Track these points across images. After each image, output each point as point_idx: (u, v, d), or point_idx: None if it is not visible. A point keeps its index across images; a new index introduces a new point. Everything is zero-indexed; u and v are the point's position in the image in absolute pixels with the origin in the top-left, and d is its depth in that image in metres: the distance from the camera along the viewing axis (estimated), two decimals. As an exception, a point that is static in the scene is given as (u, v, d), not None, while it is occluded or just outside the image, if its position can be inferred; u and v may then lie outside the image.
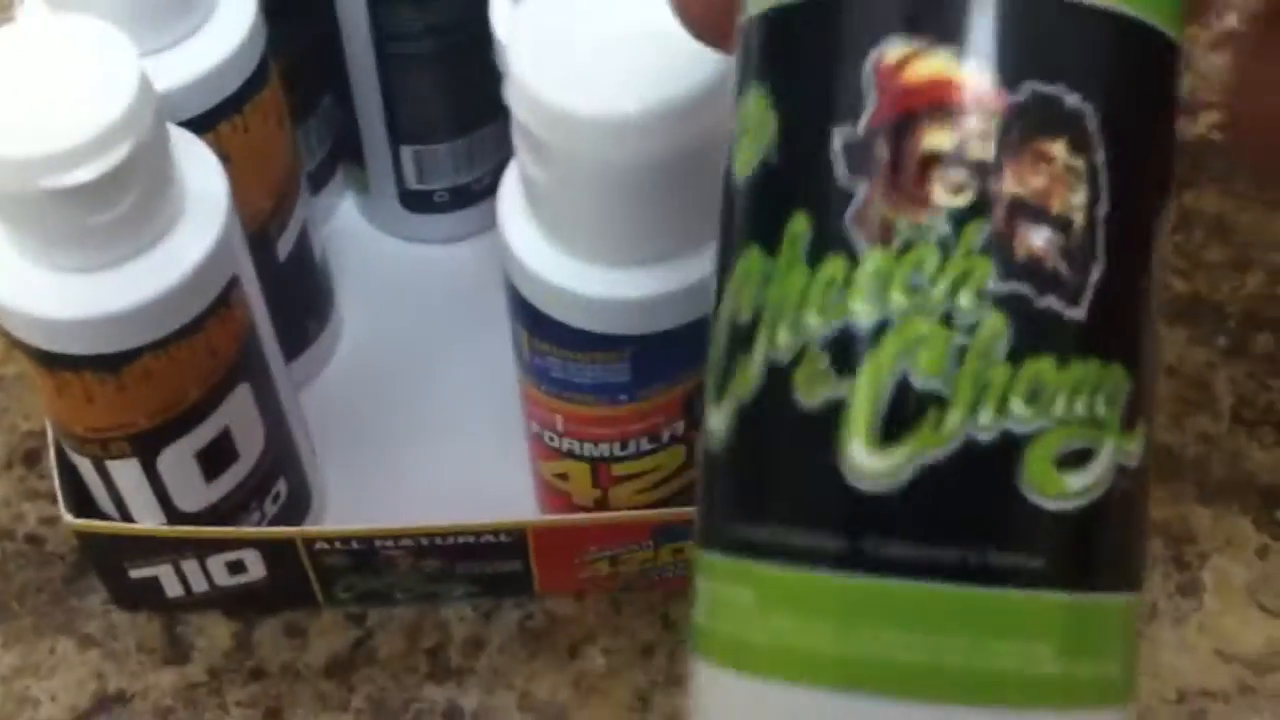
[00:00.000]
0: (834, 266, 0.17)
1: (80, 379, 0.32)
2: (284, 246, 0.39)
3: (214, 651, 0.39)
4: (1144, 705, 0.37)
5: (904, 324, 0.17)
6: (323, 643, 0.39)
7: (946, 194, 0.17)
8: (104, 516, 0.36)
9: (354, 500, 0.41)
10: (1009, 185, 0.17)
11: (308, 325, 0.42)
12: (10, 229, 0.30)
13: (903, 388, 0.17)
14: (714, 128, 0.26)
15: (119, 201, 0.29)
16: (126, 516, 0.36)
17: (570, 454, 0.36)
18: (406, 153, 0.43)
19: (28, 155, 0.28)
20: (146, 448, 0.34)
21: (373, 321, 0.45)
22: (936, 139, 0.17)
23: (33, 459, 0.42)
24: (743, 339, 0.18)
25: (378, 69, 0.40)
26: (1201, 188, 0.47)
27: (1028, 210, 0.17)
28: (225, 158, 0.35)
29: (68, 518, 0.36)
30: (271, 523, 0.38)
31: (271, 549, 0.37)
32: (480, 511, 0.37)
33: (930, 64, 0.17)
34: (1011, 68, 0.17)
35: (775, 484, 0.18)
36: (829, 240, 0.17)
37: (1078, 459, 0.17)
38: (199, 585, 0.38)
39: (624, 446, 0.35)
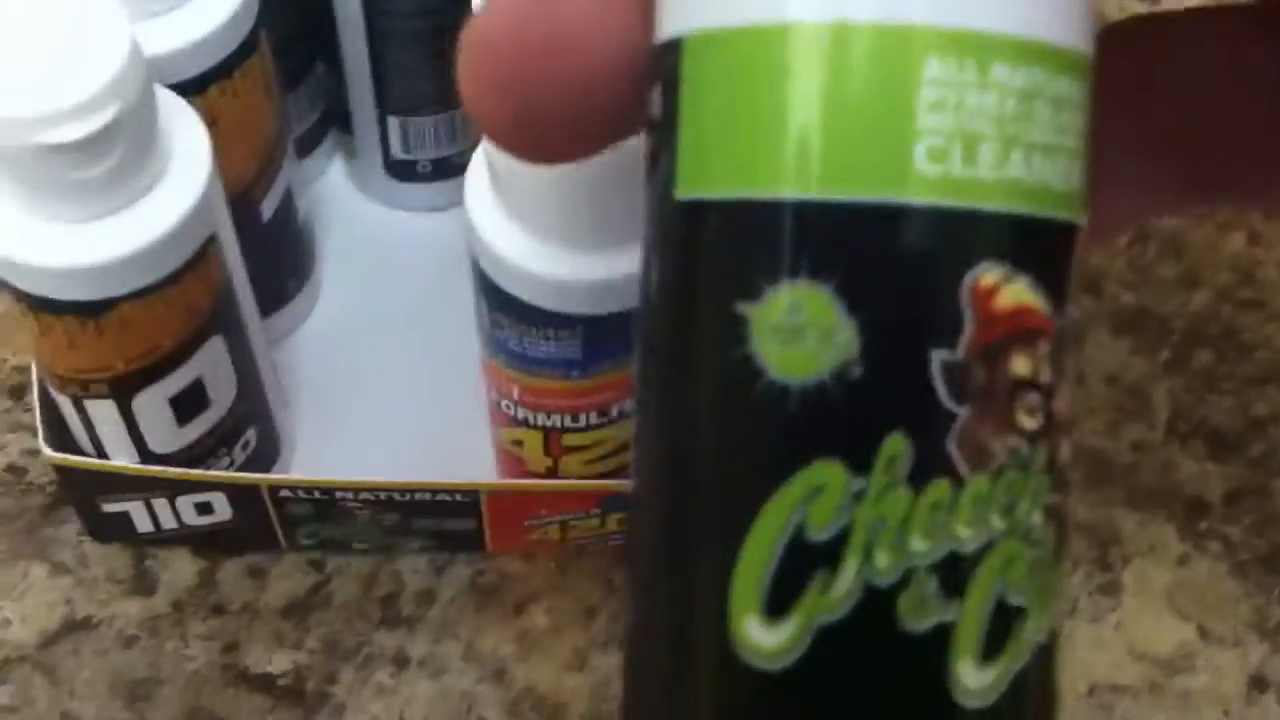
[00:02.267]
0: (939, 490, 0.17)
1: (62, 323, 0.34)
2: (268, 208, 0.41)
3: (179, 586, 0.41)
4: (1054, 695, 0.39)
5: (1004, 543, 0.17)
6: (282, 585, 0.41)
7: (1027, 418, 0.18)
8: (81, 452, 0.38)
9: (322, 453, 0.43)
10: (1059, 404, 0.18)
11: (288, 283, 0.44)
12: (2, 181, 0.32)
13: (1000, 606, 0.17)
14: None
15: (104, 160, 0.31)
16: (102, 454, 0.38)
17: (525, 423, 0.38)
18: (393, 123, 0.45)
19: (21, 113, 0.30)
20: (123, 390, 0.36)
21: (352, 283, 0.47)
22: (1021, 366, 0.17)
23: (18, 392, 0.44)
24: (821, 555, 0.17)
25: (367, 42, 0.42)
26: (1159, 205, 0.49)
27: (1063, 426, 0.18)
28: (214, 122, 0.37)
29: (47, 452, 0.38)
30: (240, 469, 0.40)
31: (238, 493, 0.39)
32: (441, 472, 0.39)
33: (1014, 292, 0.17)
34: (1057, 297, 0.18)
35: (881, 708, 0.18)
36: (933, 463, 0.17)
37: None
38: (168, 523, 0.40)
39: (575, 419, 0.37)
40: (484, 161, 0.34)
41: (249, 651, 0.40)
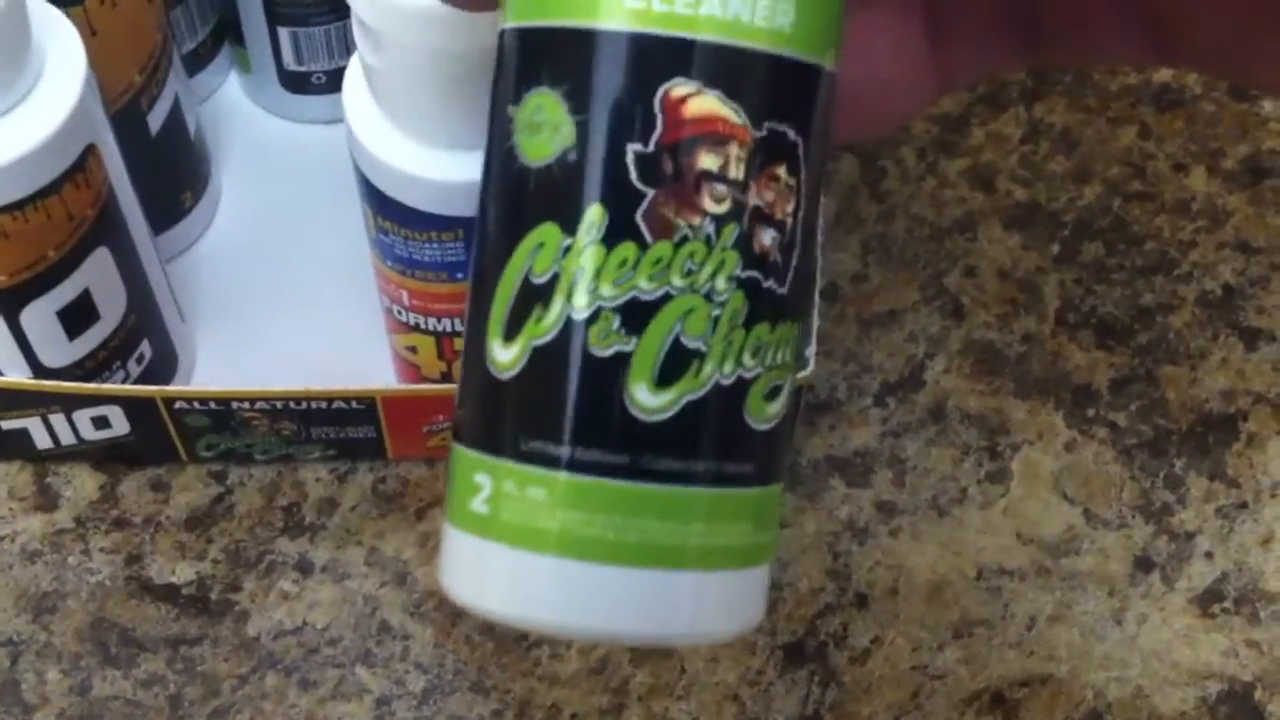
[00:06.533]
0: (626, 250, 0.22)
1: (-59, 236, 0.34)
2: (155, 119, 0.41)
3: (81, 501, 0.41)
4: (944, 580, 0.40)
5: (680, 298, 0.22)
6: (184, 497, 0.42)
7: (713, 203, 0.22)
8: (-26, 369, 0.38)
9: (223, 366, 0.43)
10: (752, 199, 0.22)
11: (182, 197, 0.44)
12: None
13: (676, 345, 0.22)
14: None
15: (-29, 69, 0.31)
16: (-5, 370, 0.38)
17: (417, 328, 0.38)
18: (284, 34, 0.45)
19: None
20: (9, 304, 0.36)
21: (251, 196, 0.47)
22: (708, 161, 0.22)
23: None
24: (538, 294, 0.23)
25: (251, -49, 0.42)
26: (1051, 100, 0.49)
27: (762, 217, 0.23)
28: (94, 33, 0.36)
29: (-62, 369, 0.38)
30: (136, 383, 0.40)
31: (134, 406, 0.39)
32: (344, 382, 0.39)
33: (704, 102, 0.22)
34: (758, 111, 0.22)
35: (570, 413, 0.23)
36: (622, 229, 0.22)
37: (774, 393, 0.23)
38: (67, 438, 0.40)
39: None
40: (361, 67, 0.34)
41: (152, 563, 0.40)
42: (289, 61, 0.46)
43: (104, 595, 0.40)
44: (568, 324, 0.22)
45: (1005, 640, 0.40)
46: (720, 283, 0.22)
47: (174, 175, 0.43)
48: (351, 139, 0.35)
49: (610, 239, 0.22)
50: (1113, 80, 0.50)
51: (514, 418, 0.23)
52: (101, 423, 0.40)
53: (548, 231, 0.23)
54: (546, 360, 0.23)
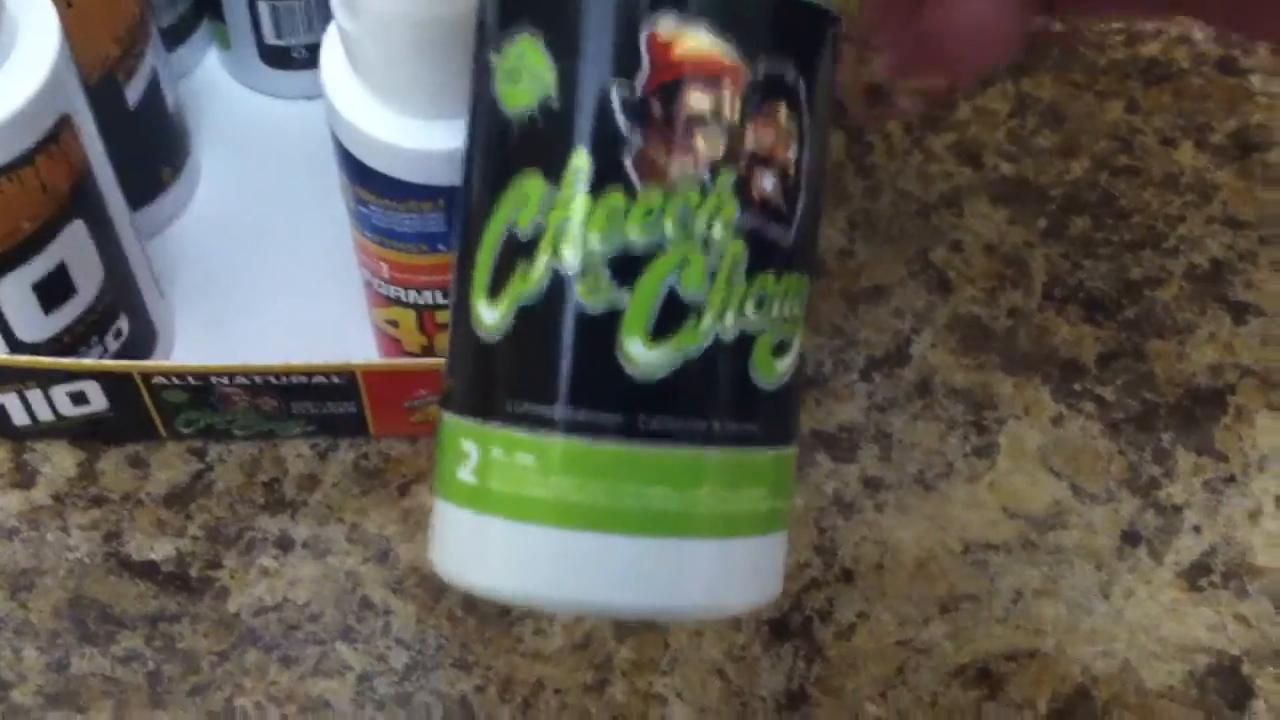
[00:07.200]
0: (615, 198, 0.21)
1: (-87, 207, 0.33)
2: (133, 93, 0.40)
3: (59, 478, 0.41)
4: (930, 555, 0.40)
5: (673, 248, 0.21)
6: (164, 474, 0.41)
7: (706, 147, 0.21)
8: (-51, 345, 0.38)
9: (203, 342, 0.43)
10: (749, 142, 0.21)
11: (161, 172, 0.43)
12: None
13: (671, 298, 0.21)
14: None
15: (-60, 35, 0.31)
16: (-29, 345, 0.38)
17: (397, 301, 0.38)
18: (264, 8, 0.44)
19: None
20: (-16, 277, 0.35)
21: (231, 172, 0.46)
22: (700, 103, 0.21)
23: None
24: (523, 249, 0.21)
25: (229, -77, 0.41)
26: (1038, 75, 0.49)
27: (761, 161, 0.21)
28: (69, 3, 0.36)
29: (-87, 344, 0.37)
30: (114, 358, 0.40)
31: (112, 382, 0.39)
32: (327, 358, 0.39)
33: (695, 41, 0.21)
34: (753, 49, 0.21)
35: (561, 372, 0.21)
36: (609, 177, 0.21)
37: (782, 348, 0.22)
38: (44, 414, 0.40)
39: (446, 295, 0.37)
40: (338, 35, 0.34)
41: (131, 540, 0.40)
42: (269, 36, 0.45)
43: (82, 572, 0.40)
44: (555, 278, 0.21)
45: (991, 615, 0.39)
46: (717, 231, 0.21)
47: (152, 150, 0.43)
48: (329, 108, 0.34)
49: (597, 188, 0.21)
50: (1100, 55, 0.50)
51: (501, 380, 0.22)
52: (79, 398, 0.39)
53: (531, 183, 0.22)
54: (533, 318, 0.22)
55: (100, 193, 0.37)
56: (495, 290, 0.22)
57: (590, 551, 0.21)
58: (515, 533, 0.22)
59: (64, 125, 0.34)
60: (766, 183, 0.22)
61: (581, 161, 0.21)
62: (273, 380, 0.39)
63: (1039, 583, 0.40)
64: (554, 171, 0.21)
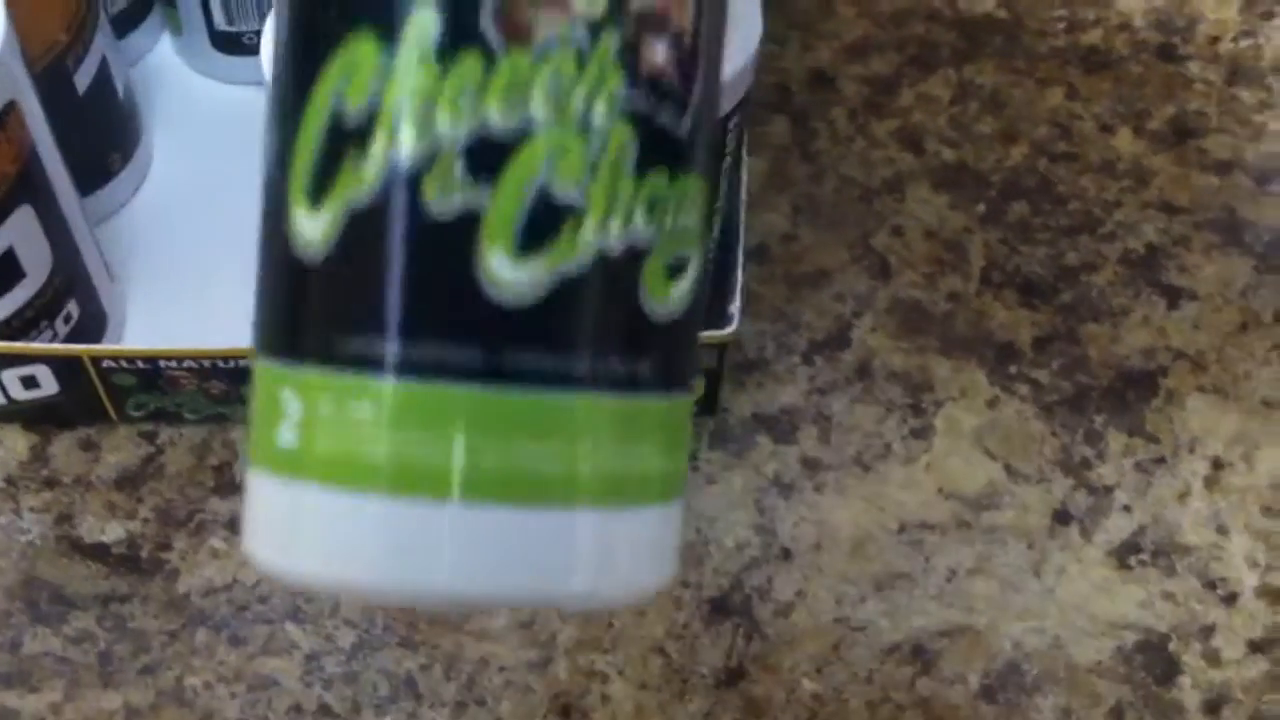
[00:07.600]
0: (469, 65, 0.16)
1: None
2: (83, 79, 0.41)
3: (10, 461, 0.41)
4: (867, 534, 0.41)
5: (544, 132, 0.16)
6: (115, 457, 0.42)
7: (584, 2, 0.16)
8: (-100, 329, 0.38)
9: (155, 327, 0.44)
10: (648, 5, 0.17)
11: (111, 157, 0.44)
12: None
13: (542, 197, 0.16)
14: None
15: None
16: (-79, 330, 0.38)
17: (343, 286, 0.39)
18: (213, -6, 0.45)
19: None
20: (-68, 264, 0.36)
21: (183, 157, 0.47)
22: None
23: None
24: (352, 136, 0.16)
25: (177, -89, 0.42)
26: (980, 62, 0.50)
27: (652, 23, 0.17)
28: (15, -10, 0.36)
29: None
30: (65, 342, 0.40)
31: (62, 366, 0.39)
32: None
33: None
34: None
35: (401, 295, 0.17)
36: (462, 37, 0.16)
37: (677, 269, 0.17)
38: (-5, 398, 0.41)
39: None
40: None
41: (82, 522, 0.41)
42: (219, 22, 0.46)
43: (34, 554, 0.40)
44: (393, 173, 0.16)
45: (925, 592, 0.40)
46: (599, 111, 0.16)
47: (102, 136, 0.43)
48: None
49: (446, 52, 0.16)
50: (1041, 41, 0.51)
51: (326, 311, 0.17)
52: (30, 382, 0.40)
53: (361, 47, 0.16)
54: (366, 226, 0.17)
55: (48, 178, 0.37)
56: (318, 193, 0.17)
57: (437, 526, 0.17)
58: (344, 505, 0.17)
59: (9, 111, 0.35)
60: (658, 51, 0.17)
61: (426, 19, 0.16)
62: (220, 364, 0.39)
63: (973, 561, 0.41)
64: (390, 31, 0.16)
